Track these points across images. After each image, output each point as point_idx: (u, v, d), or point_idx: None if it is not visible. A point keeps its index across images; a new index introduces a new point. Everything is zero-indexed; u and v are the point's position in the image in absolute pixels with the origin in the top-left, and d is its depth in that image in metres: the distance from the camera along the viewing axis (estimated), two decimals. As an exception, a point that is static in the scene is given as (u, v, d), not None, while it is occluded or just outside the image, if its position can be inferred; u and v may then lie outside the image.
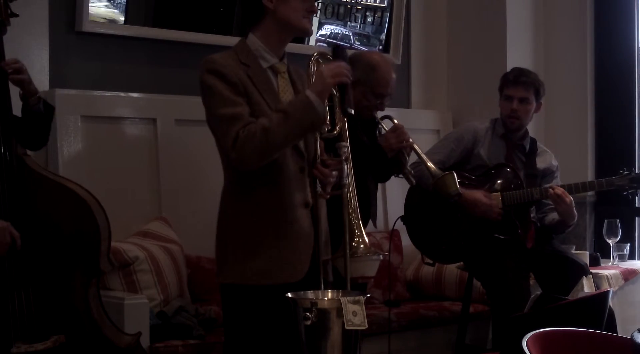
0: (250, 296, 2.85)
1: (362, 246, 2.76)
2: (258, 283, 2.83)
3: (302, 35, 3.02)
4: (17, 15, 3.16)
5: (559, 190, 4.12)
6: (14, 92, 3.15)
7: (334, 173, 2.80)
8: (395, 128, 3.67)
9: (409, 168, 3.68)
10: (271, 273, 2.83)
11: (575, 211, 4.19)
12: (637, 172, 4.24)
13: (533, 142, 4.45)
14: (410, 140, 3.66)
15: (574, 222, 4.24)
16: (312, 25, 2.95)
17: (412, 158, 3.83)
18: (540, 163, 4.40)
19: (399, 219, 4.20)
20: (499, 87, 4.40)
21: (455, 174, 3.69)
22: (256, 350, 2.86)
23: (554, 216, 4.25)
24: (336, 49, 2.98)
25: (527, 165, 4.36)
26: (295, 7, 2.88)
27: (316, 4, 2.95)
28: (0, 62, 3.08)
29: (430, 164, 3.72)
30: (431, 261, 4.43)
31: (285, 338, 2.81)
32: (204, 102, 2.86)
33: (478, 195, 4.17)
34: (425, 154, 4.23)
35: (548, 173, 4.40)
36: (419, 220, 4.27)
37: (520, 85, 4.30)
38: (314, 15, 2.95)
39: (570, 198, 4.12)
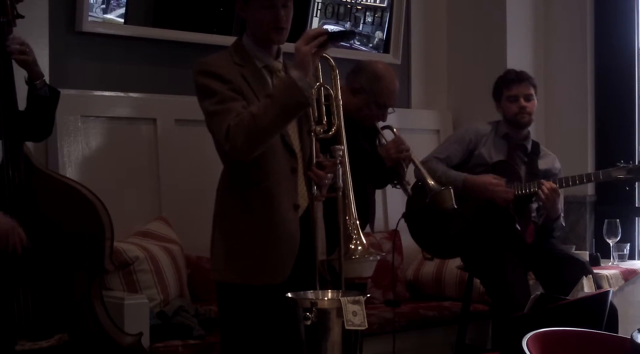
0: (235, 294, 2.89)
1: (360, 248, 2.76)
2: (240, 282, 2.86)
3: (275, 45, 2.96)
4: (22, 17, 3.17)
5: (549, 185, 4.14)
6: (18, 87, 3.15)
7: (329, 175, 2.80)
8: (396, 140, 3.70)
9: (407, 179, 3.70)
10: (251, 274, 2.85)
11: (558, 206, 4.21)
12: (634, 163, 4.25)
13: (535, 144, 4.46)
14: (410, 152, 3.69)
15: (558, 217, 4.24)
16: (282, 35, 2.89)
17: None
18: (542, 165, 4.40)
19: (402, 218, 4.19)
20: (496, 90, 4.41)
21: (452, 190, 3.70)
22: (245, 347, 2.88)
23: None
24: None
25: (529, 165, 4.36)
26: (261, 18, 2.86)
27: (283, 14, 2.87)
28: (5, 48, 3.07)
29: (429, 179, 3.73)
30: (430, 256, 4.43)
31: (273, 335, 2.84)
32: (200, 103, 2.86)
33: (487, 178, 4.19)
34: (428, 156, 4.27)
35: (550, 175, 4.39)
36: (420, 213, 4.25)
37: (524, 83, 4.35)
38: (283, 27, 2.87)
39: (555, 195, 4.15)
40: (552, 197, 4.15)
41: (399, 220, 4.09)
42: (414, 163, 3.74)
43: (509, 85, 4.35)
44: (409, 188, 3.74)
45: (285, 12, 2.88)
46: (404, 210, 4.27)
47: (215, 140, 2.85)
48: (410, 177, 3.87)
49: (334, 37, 2.78)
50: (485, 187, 4.18)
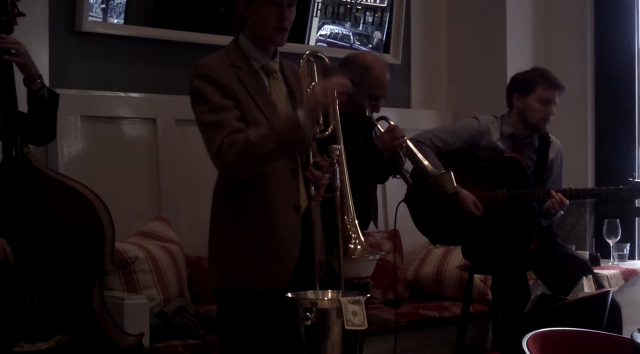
0: (234, 300, 2.86)
1: (359, 247, 2.76)
2: (239, 288, 2.84)
3: (276, 46, 2.95)
4: (24, 15, 3.17)
5: (558, 197, 4.11)
6: (21, 89, 3.16)
7: (326, 175, 2.79)
8: (390, 129, 3.66)
9: (406, 168, 3.68)
10: (252, 279, 2.83)
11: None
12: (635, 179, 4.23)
13: (544, 136, 4.35)
14: (405, 138, 3.66)
15: (557, 212, 4.22)
16: (283, 37, 2.88)
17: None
18: (550, 154, 4.35)
19: (402, 202, 4.16)
20: (527, 85, 4.24)
21: (452, 173, 3.67)
22: (245, 351, 2.87)
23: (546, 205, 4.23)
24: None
25: (538, 162, 4.32)
26: (265, 16, 2.84)
27: (288, 14, 2.86)
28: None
29: (426, 162, 3.69)
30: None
31: (273, 340, 2.82)
32: (192, 107, 2.85)
33: (471, 197, 4.15)
34: (425, 134, 4.22)
35: (554, 165, 4.35)
36: (419, 199, 4.22)
37: (562, 91, 4.24)
38: (285, 28, 2.86)
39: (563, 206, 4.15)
40: (560, 208, 4.13)
41: (399, 203, 4.04)
42: (410, 149, 3.70)
43: (550, 87, 4.21)
44: (409, 176, 3.72)
45: (289, 12, 2.88)
46: (404, 205, 4.27)
47: (207, 150, 2.83)
48: (408, 165, 3.83)
49: (353, 102, 2.81)
50: (465, 203, 4.14)
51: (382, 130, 3.72)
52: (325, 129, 2.82)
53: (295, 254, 2.85)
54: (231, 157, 2.71)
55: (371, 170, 3.72)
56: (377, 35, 5.31)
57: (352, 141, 3.04)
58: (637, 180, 4.20)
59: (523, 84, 4.26)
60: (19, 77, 3.15)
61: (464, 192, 4.13)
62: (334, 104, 2.82)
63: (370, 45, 5.27)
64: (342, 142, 2.82)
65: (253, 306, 2.83)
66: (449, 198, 3.70)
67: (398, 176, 3.73)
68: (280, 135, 2.70)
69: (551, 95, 4.22)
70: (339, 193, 2.74)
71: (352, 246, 2.75)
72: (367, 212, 3.75)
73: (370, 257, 2.79)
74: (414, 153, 3.71)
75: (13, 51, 3.08)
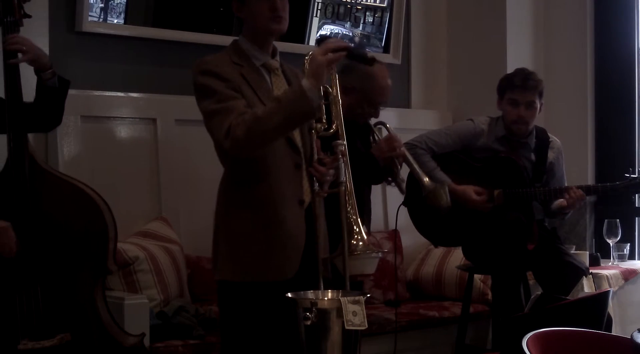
0: (239, 293, 2.87)
1: (361, 244, 2.76)
2: (245, 280, 2.85)
3: (276, 35, 2.96)
4: (30, 16, 3.18)
5: (579, 193, 4.10)
6: (25, 78, 3.16)
7: (330, 171, 2.80)
8: (389, 138, 3.66)
9: (401, 177, 3.67)
10: (257, 272, 2.84)
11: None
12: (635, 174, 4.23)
13: (542, 137, 4.34)
14: (403, 149, 3.65)
15: (572, 210, 4.24)
16: (282, 24, 2.90)
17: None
18: (550, 156, 4.34)
19: (401, 205, 4.15)
20: (500, 88, 4.29)
21: (447, 187, 3.65)
22: (247, 347, 2.88)
23: (558, 203, 4.22)
24: (320, 40, 2.93)
25: (536, 162, 4.31)
26: (259, 11, 2.87)
27: (279, 3, 2.88)
28: (6, 47, 3.09)
29: (422, 175, 3.68)
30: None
31: (276, 334, 2.83)
32: (198, 103, 2.86)
33: (468, 190, 4.16)
34: (421, 137, 4.20)
35: (554, 168, 4.34)
36: (418, 202, 4.22)
37: (527, 90, 4.18)
38: (281, 16, 2.88)
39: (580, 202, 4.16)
40: (578, 204, 4.13)
41: (399, 207, 4.03)
42: (407, 160, 3.70)
43: (512, 88, 4.19)
44: (404, 185, 3.72)
45: (281, 3, 2.90)
46: (403, 208, 4.27)
47: (215, 139, 2.84)
48: (404, 171, 3.83)
49: (353, 57, 2.79)
50: (465, 199, 4.14)
51: (380, 136, 3.71)
52: (329, 127, 2.83)
53: (301, 246, 2.86)
54: (240, 133, 2.70)
55: (366, 176, 3.71)
56: (378, 35, 5.31)
57: (349, 145, 3.05)
58: (633, 176, 4.20)
59: (499, 89, 4.30)
60: (24, 67, 3.16)
61: (462, 188, 4.13)
62: (338, 103, 2.83)
63: (370, 46, 5.26)
64: (345, 140, 2.82)
65: (256, 298, 2.84)
66: (442, 212, 3.69)
67: (393, 184, 3.74)
68: (287, 106, 2.68)
69: (517, 95, 4.18)
70: (343, 188, 2.75)
71: (355, 242, 2.75)
72: (360, 216, 3.75)
73: (373, 254, 2.79)
74: (411, 163, 3.71)
75: (23, 48, 3.09)
